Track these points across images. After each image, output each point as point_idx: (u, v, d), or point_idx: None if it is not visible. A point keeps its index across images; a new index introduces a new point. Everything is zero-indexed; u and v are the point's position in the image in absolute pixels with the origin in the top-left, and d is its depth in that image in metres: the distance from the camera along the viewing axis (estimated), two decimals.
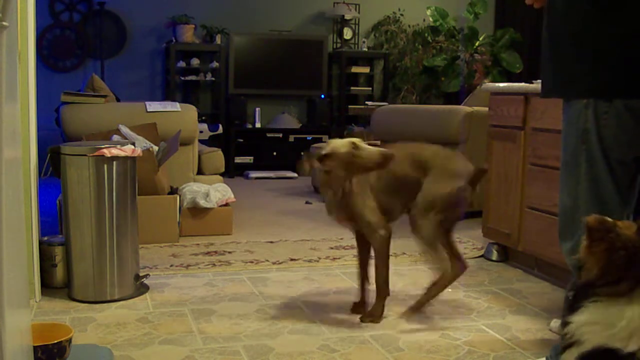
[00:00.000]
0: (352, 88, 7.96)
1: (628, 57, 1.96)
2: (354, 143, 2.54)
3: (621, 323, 1.50)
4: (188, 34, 7.30)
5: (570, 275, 2.19)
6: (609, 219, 1.60)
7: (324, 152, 2.57)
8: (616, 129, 2.00)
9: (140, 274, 3.06)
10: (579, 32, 2.04)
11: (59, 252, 3.05)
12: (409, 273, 3.42)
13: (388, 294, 2.77)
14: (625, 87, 1.95)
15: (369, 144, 2.65)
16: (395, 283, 3.21)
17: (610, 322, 1.51)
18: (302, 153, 2.78)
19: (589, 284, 1.58)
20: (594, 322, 1.54)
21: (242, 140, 7.42)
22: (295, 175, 7.12)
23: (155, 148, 4.00)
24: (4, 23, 1.23)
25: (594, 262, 1.58)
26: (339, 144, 2.56)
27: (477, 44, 7.72)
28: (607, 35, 1.98)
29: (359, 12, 7.95)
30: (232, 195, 4.34)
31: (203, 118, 7.21)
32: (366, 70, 8.03)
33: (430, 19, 7.93)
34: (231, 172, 7.11)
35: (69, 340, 2.13)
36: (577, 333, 1.56)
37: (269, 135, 7.48)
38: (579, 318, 1.57)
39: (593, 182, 2.04)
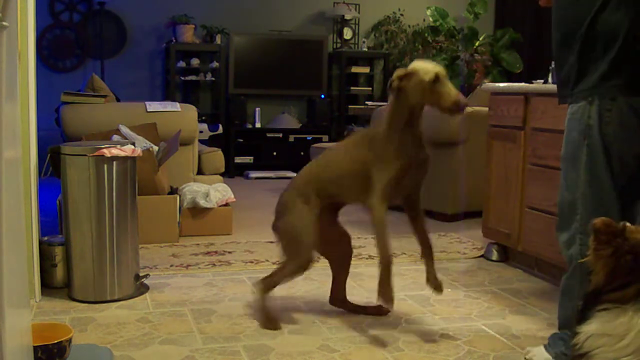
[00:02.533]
0: (352, 88, 7.96)
1: (632, 56, 1.97)
2: (438, 75, 2.36)
3: (631, 334, 1.44)
4: (188, 34, 7.30)
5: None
6: (617, 223, 1.56)
7: (407, 70, 2.41)
8: (618, 126, 2.03)
9: (140, 274, 3.06)
10: (584, 32, 2.05)
11: (59, 252, 3.05)
12: (409, 273, 3.41)
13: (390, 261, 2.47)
14: (629, 86, 1.97)
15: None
16: (396, 283, 3.21)
17: (620, 333, 1.45)
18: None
19: (597, 291, 1.54)
20: (604, 334, 1.47)
21: (242, 140, 7.41)
22: (295, 175, 7.11)
23: (155, 148, 4.00)
24: (4, 23, 1.23)
25: (600, 266, 1.53)
26: (425, 67, 2.39)
27: (477, 44, 7.72)
28: (612, 35, 1.99)
29: (359, 12, 7.95)
30: (232, 195, 4.34)
31: (203, 118, 7.21)
32: (366, 70, 8.03)
33: (430, 19, 7.93)
34: (231, 172, 7.11)
35: (69, 340, 2.13)
36: (586, 345, 1.48)
37: (269, 135, 7.48)
38: (588, 328, 1.50)
39: (592, 177, 2.07)
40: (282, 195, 2.70)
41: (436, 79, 2.37)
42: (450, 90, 2.38)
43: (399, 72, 2.42)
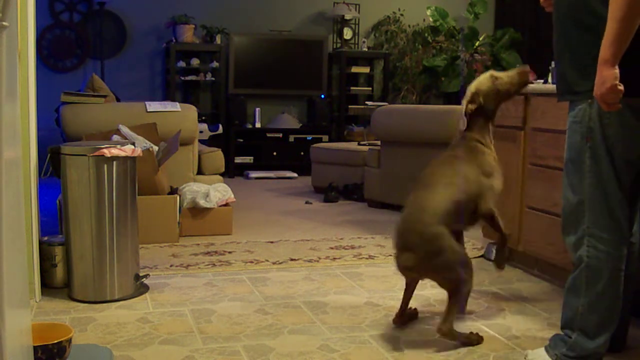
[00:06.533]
0: (352, 88, 7.97)
1: (629, 57, 1.98)
2: (491, 74, 2.64)
3: None
4: (188, 34, 7.31)
5: (569, 275, 2.20)
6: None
7: (471, 90, 2.63)
8: (619, 127, 2.03)
9: (140, 274, 3.06)
10: (581, 36, 2.06)
11: (59, 252, 3.05)
12: None
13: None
14: (626, 86, 1.97)
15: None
16: (396, 283, 3.22)
17: None
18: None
19: None
20: None
21: (242, 140, 7.42)
22: (295, 175, 7.12)
23: (155, 148, 4.00)
24: (4, 23, 1.23)
25: None
26: (480, 81, 2.65)
27: (477, 44, 7.72)
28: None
29: (359, 12, 7.95)
30: (232, 195, 4.34)
31: (203, 118, 7.21)
32: (366, 70, 8.04)
33: (430, 19, 7.93)
34: (231, 172, 7.11)
35: (69, 340, 2.12)
36: None
37: (269, 135, 7.48)
38: None
39: (597, 179, 2.07)
40: (425, 232, 2.38)
41: (494, 77, 2.63)
42: (508, 72, 2.66)
43: (466, 99, 2.64)
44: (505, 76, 2.64)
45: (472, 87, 2.65)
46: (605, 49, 1.93)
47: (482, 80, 2.64)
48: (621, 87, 1.92)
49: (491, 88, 2.62)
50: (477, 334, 2.52)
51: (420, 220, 2.40)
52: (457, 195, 2.47)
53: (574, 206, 2.14)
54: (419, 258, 2.38)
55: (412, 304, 2.91)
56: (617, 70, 1.93)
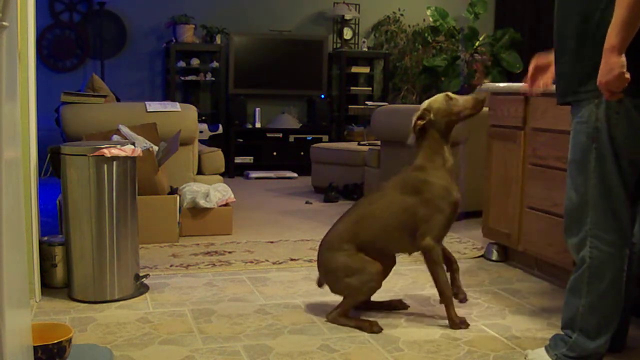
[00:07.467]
0: (352, 88, 7.97)
1: (637, 57, 1.97)
2: (447, 94, 2.66)
3: None
4: (188, 34, 7.31)
5: (569, 275, 2.20)
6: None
7: (423, 106, 2.66)
8: (626, 128, 2.03)
9: (140, 274, 3.06)
10: (588, 34, 2.05)
11: (59, 252, 3.05)
12: (409, 273, 3.41)
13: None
14: (634, 87, 1.96)
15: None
16: (395, 283, 3.21)
17: None
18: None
19: None
20: None
21: (242, 140, 7.42)
22: (295, 175, 7.12)
23: (155, 148, 4.00)
24: (4, 23, 1.23)
25: None
26: (434, 98, 2.68)
27: (477, 44, 7.72)
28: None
29: (359, 12, 7.95)
30: (232, 195, 4.34)
31: (203, 118, 7.21)
32: (366, 70, 8.04)
33: (430, 19, 7.93)
34: (231, 172, 7.11)
35: (69, 340, 2.13)
36: None
37: (269, 135, 7.49)
38: None
39: (601, 180, 2.07)
40: (329, 261, 2.71)
41: (448, 97, 2.65)
42: (464, 97, 2.67)
43: (416, 115, 2.66)
44: (461, 99, 2.66)
45: (424, 104, 2.68)
46: (612, 35, 1.91)
47: (437, 98, 2.67)
48: (628, 76, 1.90)
49: (444, 106, 2.63)
50: (375, 322, 2.63)
51: (322, 245, 2.76)
52: (366, 226, 2.66)
53: (577, 207, 2.13)
54: (322, 275, 2.78)
55: (411, 303, 2.91)
56: (624, 58, 1.91)
